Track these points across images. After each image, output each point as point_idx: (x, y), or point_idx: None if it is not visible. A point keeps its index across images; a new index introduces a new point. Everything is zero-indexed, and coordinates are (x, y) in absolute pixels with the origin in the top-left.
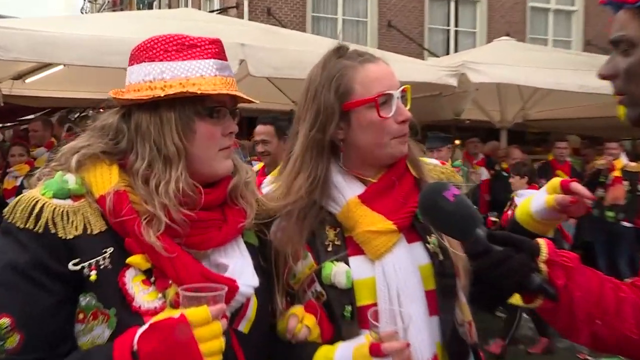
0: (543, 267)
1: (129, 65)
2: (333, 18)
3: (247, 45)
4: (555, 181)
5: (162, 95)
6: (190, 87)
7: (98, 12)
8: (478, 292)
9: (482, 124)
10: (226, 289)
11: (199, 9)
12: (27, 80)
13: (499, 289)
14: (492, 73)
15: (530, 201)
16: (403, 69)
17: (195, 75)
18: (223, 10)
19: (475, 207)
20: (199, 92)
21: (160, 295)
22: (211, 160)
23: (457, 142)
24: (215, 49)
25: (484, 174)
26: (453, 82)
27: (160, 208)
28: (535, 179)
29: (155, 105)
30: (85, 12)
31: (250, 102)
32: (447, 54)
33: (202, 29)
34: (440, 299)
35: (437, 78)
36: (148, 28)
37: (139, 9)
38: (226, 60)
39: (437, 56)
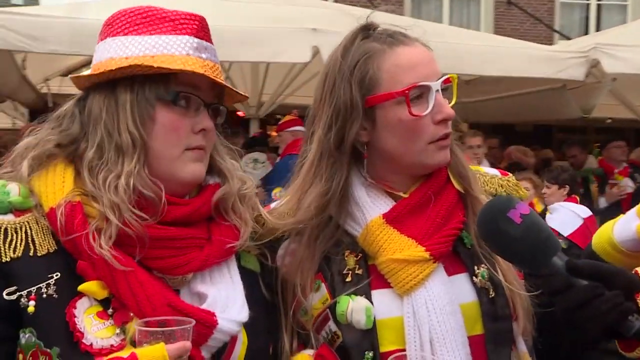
0: None
1: (96, 45)
2: None
3: (320, 30)
4: None
5: (114, 68)
6: (149, 62)
7: None
8: (549, 343)
9: (629, 123)
10: (193, 322)
11: None
12: None
13: (581, 336)
14: (634, 60)
15: (613, 227)
16: (503, 57)
17: (163, 52)
18: None
19: (549, 229)
20: (155, 65)
21: (118, 330)
22: (173, 159)
23: (595, 146)
24: (193, 25)
25: (629, 186)
26: (578, 73)
27: (109, 206)
28: (576, 189)
29: (112, 87)
30: None
31: (244, 97)
32: (586, 34)
33: (269, 12)
34: (490, 348)
35: (557, 70)
36: (208, 10)
37: None
38: (209, 41)
39: (571, 39)
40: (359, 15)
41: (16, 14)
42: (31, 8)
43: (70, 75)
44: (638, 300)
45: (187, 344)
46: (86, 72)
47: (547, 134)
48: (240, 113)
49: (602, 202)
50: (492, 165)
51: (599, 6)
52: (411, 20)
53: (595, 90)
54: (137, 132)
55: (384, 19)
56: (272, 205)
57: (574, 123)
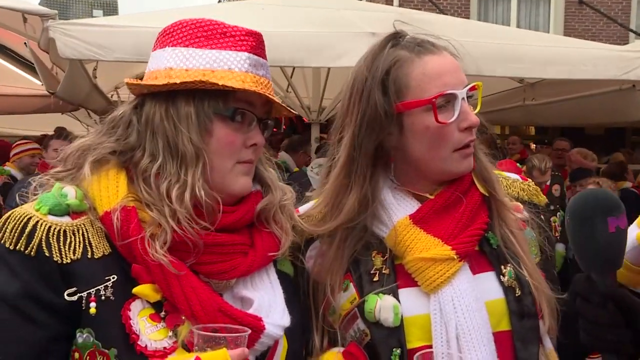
0: None
1: (152, 51)
2: None
3: (379, 34)
4: None
5: (178, 81)
6: (212, 78)
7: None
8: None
9: None
10: (249, 331)
11: None
12: None
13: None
14: None
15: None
16: (566, 58)
17: (223, 67)
18: None
19: (624, 249)
20: (220, 84)
21: (171, 333)
22: (225, 172)
23: None
24: (252, 42)
25: None
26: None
27: (170, 215)
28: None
29: (172, 97)
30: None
31: (290, 113)
32: None
33: (329, 17)
34: (519, 347)
35: (625, 71)
36: (269, 17)
37: None
38: (264, 57)
39: None
40: (418, 18)
41: (86, 25)
42: (101, 19)
43: (127, 80)
44: None
45: (247, 350)
46: (148, 81)
47: (619, 137)
48: (304, 119)
49: None
50: (561, 168)
51: None
52: (472, 22)
53: None
54: (200, 144)
55: (444, 23)
56: (301, 208)
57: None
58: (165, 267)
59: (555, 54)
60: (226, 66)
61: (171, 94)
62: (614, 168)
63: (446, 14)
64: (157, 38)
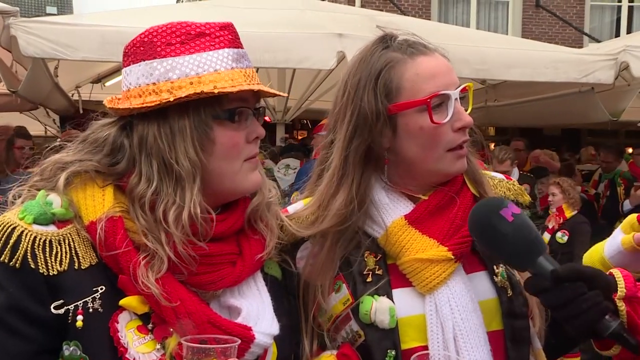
0: (622, 305)
1: (124, 66)
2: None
3: (346, 35)
4: (632, 218)
5: (172, 99)
6: (204, 86)
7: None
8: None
9: None
10: (238, 341)
11: None
12: (107, 84)
13: (567, 333)
14: None
15: (604, 245)
16: (528, 60)
17: (208, 70)
18: None
19: (537, 231)
20: (216, 91)
21: (158, 345)
22: (235, 174)
23: (629, 150)
24: (228, 36)
25: None
26: (606, 77)
27: (166, 242)
28: None
29: (163, 113)
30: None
31: (275, 95)
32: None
33: (295, 18)
34: (510, 346)
35: (585, 74)
36: (234, 17)
37: None
38: (242, 47)
39: (600, 42)
40: (386, 20)
41: (48, 23)
42: (63, 17)
43: (110, 107)
44: (615, 301)
45: None
46: (136, 102)
47: (575, 137)
48: (267, 118)
49: (627, 205)
50: (518, 168)
51: (630, 8)
52: (436, 24)
53: (624, 94)
54: (196, 158)
55: (410, 24)
56: (289, 208)
57: (603, 126)
58: None
59: (517, 57)
60: (211, 68)
61: (161, 111)
62: (563, 170)
63: (407, 15)
64: (127, 51)
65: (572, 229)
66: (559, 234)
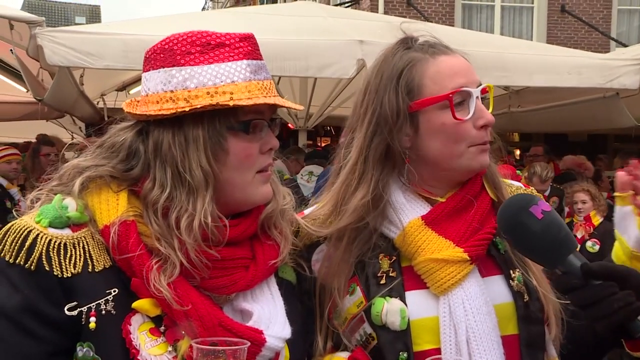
0: None
1: (144, 71)
2: (489, 5)
3: (367, 42)
4: (624, 195)
5: (187, 109)
6: (220, 97)
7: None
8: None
9: None
10: (248, 344)
11: (328, 3)
12: (132, 92)
13: (595, 336)
14: None
15: (623, 237)
16: (551, 66)
17: (226, 81)
18: (354, 3)
19: (568, 228)
20: (231, 104)
21: (170, 348)
22: (246, 185)
23: None
24: (247, 47)
25: None
26: (631, 82)
27: (178, 248)
28: None
29: (178, 121)
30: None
31: (290, 107)
32: None
33: (316, 25)
34: (524, 352)
35: (609, 80)
36: (256, 25)
37: (261, 4)
38: (261, 58)
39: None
40: (406, 27)
41: (73, 32)
42: (87, 26)
43: (128, 110)
44: None
45: None
46: (153, 108)
47: (602, 143)
48: (290, 125)
49: None
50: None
51: None
52: (459, 30)
53: None
54: (209, 168)
55: (432, 31)
56: (306, 211)
57: (630, 132)
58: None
59: (541, 63)
60: (228, 79)
61: (177, 119)
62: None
63: (431, 22)
64: (148, 57)
65: (603, 238)
66: (589, 243)
